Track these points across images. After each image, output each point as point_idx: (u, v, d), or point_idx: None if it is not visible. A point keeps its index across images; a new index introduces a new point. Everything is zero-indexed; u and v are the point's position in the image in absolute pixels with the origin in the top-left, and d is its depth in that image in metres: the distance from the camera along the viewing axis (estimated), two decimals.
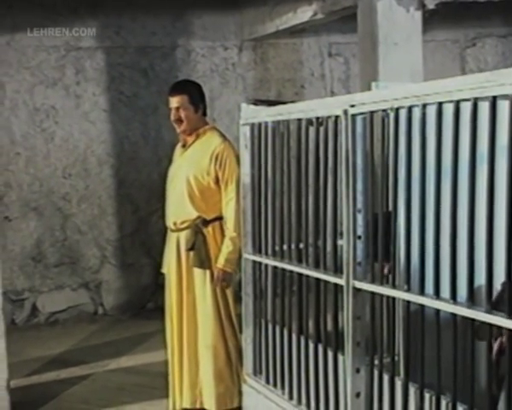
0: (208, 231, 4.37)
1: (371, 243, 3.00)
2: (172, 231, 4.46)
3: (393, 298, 2.97)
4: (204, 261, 4.33)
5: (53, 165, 7.13)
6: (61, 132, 7.14)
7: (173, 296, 4.42)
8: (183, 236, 4.39)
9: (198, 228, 4.35)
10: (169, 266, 4.48)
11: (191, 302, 4.39)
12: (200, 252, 4.33)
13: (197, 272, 4.36)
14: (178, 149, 4.58)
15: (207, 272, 4.34)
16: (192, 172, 4.36)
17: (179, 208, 4.40)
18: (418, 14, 5.49)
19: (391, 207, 2.89)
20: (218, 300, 4.36)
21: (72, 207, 7.22)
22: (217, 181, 4.33)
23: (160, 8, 7.13)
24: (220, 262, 4.27)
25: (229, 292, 4.38)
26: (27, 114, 7.03)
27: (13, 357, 4.97)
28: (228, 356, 4.38)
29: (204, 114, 4.50)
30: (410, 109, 2.75)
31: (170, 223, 4.48)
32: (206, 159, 4.34)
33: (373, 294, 3.02)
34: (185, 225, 4.39)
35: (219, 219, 4.39)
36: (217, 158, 4.32)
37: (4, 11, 6.50)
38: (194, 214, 4.36)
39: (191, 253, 4.34)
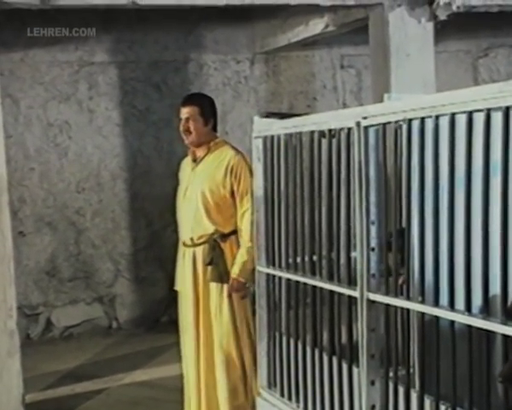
0: (226, 245, 4.38)
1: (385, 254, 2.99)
2: (188, 246, 4.46)
3: (408, 310, 2.96)
4: (222, 276, 4.33)
5: (66, 179, 7.16)
6: (74, 147, 7.17)
7: (189, 311, 4.42)
8: (201, 251, 4.39)
9: (215, 242, 4.36)
10: (184, 282, 4.48)
11: (208, 317, 4.39)
12: (218, 266, 4.34)
13: (214, 286, 4.36)
14: (187, 164, 4.57)
15: (225, 286, 4.34)
16: (207, 186, 4.37)
17: (195, 223, 4.40)
18: (430, 25, 5.49)
19: (404, 219, 2.88)
20: (235, 314, 4.36)
21: (86, 221, 7.24)
22: (232, 194, 4.34)
23: (172, 22, 7.16)
24: (235, 272, 4.27)
25: (245, 306, 4.38)
26: (41, 130, 7.08)
27: (28, 372, 4.99)
28: (243, 370, 4.37)
29: (214, 129, 4.51)
30: (422, 121, 2.75)
31: (185, 238, 4.47)
32: (221, 172, 4.35)
33: (387, 306, 3.01)
34: (202, 239, 4.39)
35: (235, 232, 4.40)
36: (232, 170, 4.33)
37: (18, 28, 6.55)
38: (211, 229, 4.37)
39: (209, 268, 4.35)
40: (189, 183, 4.49)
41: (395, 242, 2.91)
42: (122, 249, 7.36)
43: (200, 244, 4.41)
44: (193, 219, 4.42)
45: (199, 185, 4.41)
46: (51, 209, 7.14)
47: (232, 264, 4.34)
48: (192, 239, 4.43)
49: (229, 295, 4.32)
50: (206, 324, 4.39)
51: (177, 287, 4.59)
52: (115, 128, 7.28)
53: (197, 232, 4.41)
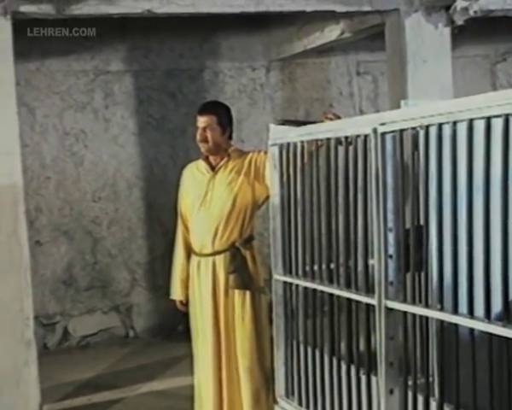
0: (246, 252, 4.40)
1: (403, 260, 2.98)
2: (205, 255, 4.46)
3: (426, 317, 2.95)
4: (246, 282, 4.35)
5: (83, 189, 7.20)
6: (90, 156, 7.20)
7: (207, 321, 4.42)
8: (221, 259, 4.40)
9: (237, 250, 4.38)
10: (199, 291, 4.48)
11: (228, 326, 4.39)
12: (241, 273, 4.35)
13: (237, 294, 4.37)
14: (200, 171, 4.56)
15: (247, 293, 4.36)
16: (233, 192, 4.38)
17: (217, 232, 4.41)
18: (447, 31, 5.48)
19: (422, 225, 2.87)
20: (257, 321, 4.37)
21: (102, 230, 7.27)
22: (253, 181, 4.37)
23: (188, 30, 7.19)
24: None
25: (266, 313, 4.40)
26: (57, 139, 7.11)
27: (45, 381, 5.00)
28: (265, 378, 4.38)
29: (230, 137, 4.52)
30: (440, 127, 2.74)
31: (202, 248, 4.48)
32: (244, 168, 4.38)
33: (405, 313, 3.00)
34: (223, 247, 4.40)
35: (253, 237, 4.45)
36: (256, 160, 4.39)
37: (34, 37, 6.59)
38: (233, 236, 4.38)
39: (231, 276, 4.36)
40: (207, 191, 4.48)
41: (413, 248, 2.91)
42: (138, 258, 7.37)
43: (220, 252, 4.42)
44: (214, 228, 4.42)
45: (222, 193, 4.41)
46: (67, 218, 7.17)
47: (253, 270, 4.37)
48: (213, 247, 4.43)
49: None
50: (227, 332, 4.40)
51: (177, 296, 4.60)
52: (131, 137, 7.30)
53: (218, 241, 4.41)
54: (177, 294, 4.65)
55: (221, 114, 4.49)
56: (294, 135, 3.73)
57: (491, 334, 2.56)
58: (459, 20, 5.46)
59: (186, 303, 4.64)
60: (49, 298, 7.15)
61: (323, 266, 3.54)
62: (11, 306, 4.79)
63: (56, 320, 7.20)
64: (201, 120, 4.45)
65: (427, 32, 5.45)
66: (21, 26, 4.96)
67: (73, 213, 7.18)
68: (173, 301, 4.73)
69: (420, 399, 2.95)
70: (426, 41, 5.46)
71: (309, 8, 5.33)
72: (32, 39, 6.56)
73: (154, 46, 7.28)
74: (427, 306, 2.87)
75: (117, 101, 7.25)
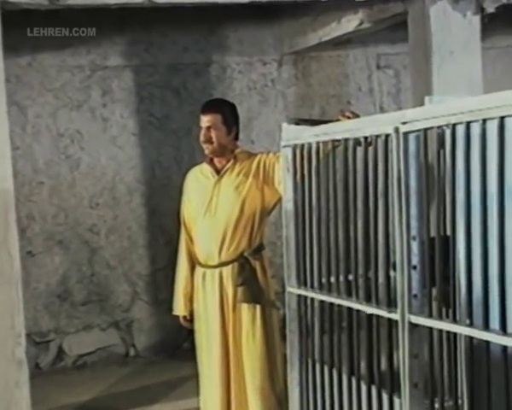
0: (256, 262, 4.40)
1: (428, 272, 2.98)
2: (211, 266, 4.47)
3: (454, 334, 2.95)
4: (256, 296, 4.35)
5: (79, 194, 7.21)
6: (87, 159, 7.22)
7: (214, 338, 4.43)
8: (229, 271, 4.41)
9: (246, 260, 4.38)
10: (205, 306, 4.49)
11: (238, 342, 4.40)
12: (251, 286, 4.35)
13: (246, 308, 4.38)
14: (204, 175, 4.57)
15: (257, 307, 4.36)
16: (240, 198, 4.39)
17: (224, 241, 4.42)
18: (476, 19, 5.47)
19: (449, 233, 2.87)
20: (268, 338, 4.37)
21: (100, 239, 7.28)
22: (262, 184, 4.38)
23: (192, 22, 7.20)
24: None
25: (278, 330, 4.40)
26: (51, 140, 7.13)
27: (38, 404, 5.01)
28: (277, 399, 4.39)
29: (236, 137, 4.53)
30: (468, 125, 2.74)
31: (207, 258, 4.48)
32: (252, 170, 4.39)
33: (431, 329, 3.00)
34: (231, 258, 4.41)
35: (263, 246, 4.45)
36: (265, 162, 4.39)
37: (24, 31, 6.62)
38: (241, 246, 4.39)
39: (240, 288, 4.36)
40: (212, 196, 4.49)
41: (439, 257, 2.90)
42: (140, 270, 7.38)
43: (227, 263, 4.42)
44: (220, 237, 4.43)
45: (228, 198, 4.42)
46: (62, 227, 7.19)
47: (262, 282, 4.37)
48: (219, 258, 4.44)
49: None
50: (236, 350, 4.41)
51: (181, 311, 4.61)
52: (131, 138, 7.32)
53: (225, 250, 4.42)
54: (180, 309, 4.66)
55: (226, 112, 4.50)
56: (309, 135, 3.74)
57: None
58: (490, 8, 5.45)
59: (191, 319, 4.65)
60: (43, 314, 7.16)
61: (341, 278, 3.54)
62: (1, 322, 4.81)
63: (50, 338, 7.22)
64: (205, 120, 4.46)
65: (455, 21, 5.45)
66: (11, 17, 4.98)
67: (69, 221, 7.20)
68: (177, 317, 4.73)
69: None
70: (453, 31, 5.45)
71: None
72: (23, 32, 6.59)
73: (156, 39, 7.30)
74: (454, 321, 2.86)
75: (116, 98, 7.27)
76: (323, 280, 3.70)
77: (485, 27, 5.63)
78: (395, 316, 3.13)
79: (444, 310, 2.95)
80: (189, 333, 4.83)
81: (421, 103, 3.27)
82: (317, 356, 3.79)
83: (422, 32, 5.51)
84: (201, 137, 4.48)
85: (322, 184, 3.65)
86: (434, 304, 2.96)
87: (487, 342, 2.72)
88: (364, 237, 3.33)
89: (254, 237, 4.45)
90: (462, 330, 2.83)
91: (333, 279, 3.61)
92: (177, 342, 7.33)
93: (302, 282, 3.85)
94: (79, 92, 7.19)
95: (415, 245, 3.06)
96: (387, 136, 3.12)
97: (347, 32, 6.48)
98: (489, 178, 2.69)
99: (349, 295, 3.47)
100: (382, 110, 7.71)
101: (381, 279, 3.25)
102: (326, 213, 3.63)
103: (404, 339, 3.08)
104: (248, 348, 4.39)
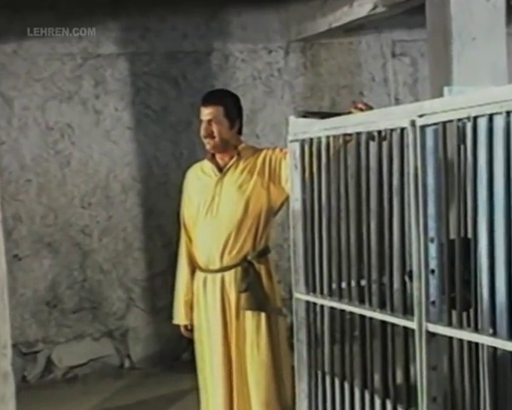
0: (261, 266, 4.41)
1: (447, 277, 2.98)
2: (212, 271, 4.48)
3: (476, 344, 2.95)
4: (261, 303, 4.36)
5: (69, 193, 7.22)
6: (78, 155, 7.23)
7: (216, 348, 4.44)
8: (232, 275, 4.42)
9: (250, 265, 4.39)
10: (206, 314, 4.50)
11: (241, 353, 4.41)
12: (255, 292, 4.36)
13: (250, 316, 4.39)
14: (205, 173, 4.58)
15: (262, 315, 4.37)
16: (244, 197, 4.40)
17: (226, 244, 4.43)
18: (501, 2, 5.46)
19: (470, 235, 2.87)
20: (274, 348, 4.38)
21: (93, 241, 7.29)
22: (268, 183, 4.39)
23: (192, 6, 7.21)
24: None
25: (285, 339, 4.40)
26: (39, 134, 7.14)
27: None
28: None
29: (239, 132, 4.53)
30: (491, 118, 2.74)
31: (208, 262, 4.49)
32: (257, 167, 4.40)
33: (451, 339, 3.00)
34: (233, 262, 4.42)
35: (268, 249, 4.46)
36: (271, 159, 4.40)
37: (10, 15, 6.63)
38: (245, 249, 4.40)
39: (243, 295, 4.37)
40: (214, 196, 4.50)
41: (459, 260, 2.90)
42: (135, 274, 7.39)
43: (230, 268, 4.43)
44: (222, 239, 4.44)
45: (231, 197, 4.43)
46: (51, 228, 7.20)
47: (268, 287, 4.38)
48: (221, 262, 4.45)
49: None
50: (240, 361, 4.41)
51: (181, 320, 4.62)
52: (126, 132, 7.33)
53: (228, 254, 4.43)
54: (180, 318, 4.67)
55: (228, 104, 4.51)
56: (318, 129, 3.74)
57: None
58: None
59: (191, 328, 4.66)
60: (30, 322, 7.18)
61: (353, 283, 3.54)
62: None
63: (38, 348, 7.23)
64: (206, 112, 4.47)
65: (477, 4, 5.43)
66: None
67: (58, 222, 7.21)
68: (176, 326, 4.74)
69: None
70: (475, 15, 5.44)
71: None
72: (8, 17, 6.60)
73: (153, 25, 7.30)
74: (476, 330, 2.86)
75: (109, 89, 7.28)
76: (334, 286, 3.70)
77: (511, 11, 5.62)
78: (411, 324, 3.13)
79: (464, 318, 2.95)
80: (189, 343, 4.84)
81: (440, 94, 3.27)
82: (326, 368, 3.80)
83: (442, 17, 5.50)
84: (202, 132, 4.49)
85: (332, 182, 3.65)
86: (454, 311, 2.96)
87: None
88: (378, 239, 3.33)
89: (259, 240, 4.46)
90: (484, 339, 2.83)
91: (344, 285, 3.62)
92: (176, 353, 7.34)
93: (311, 287, 3.85)
94: (70, 82, 7.20)
95: (433, 248, 3.07)
96: (403, 130, 3.13)
97: (360, 16, 6.47)
98: None
99: (361, 301, 3.47)
100: (398, 102, 7.71)
101: (397, 285, 3.25)
102: (337, 214, 3.63)
103: (421, 349, 3.08)
104: (253, 359, 4.40)
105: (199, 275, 4.56)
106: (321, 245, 3.77)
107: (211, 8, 7.37)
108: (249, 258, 4.42)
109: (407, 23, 7.42)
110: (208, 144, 4.49)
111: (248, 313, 4.41)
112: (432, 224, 3.06)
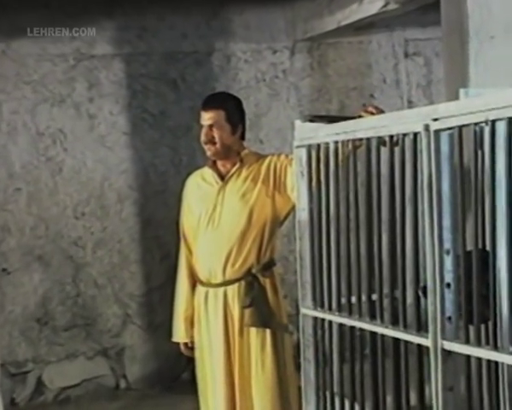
0: (266, 280, 4.41)
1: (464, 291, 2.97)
2: (214, 285, 4.48)
3: (496, 363, 2.94)
4: (266, 319, 4.36)
5: (61, 202, 7.23)
6: (70, 162, 7.24)
7: (218, 368, 4.44)
8: (235, 290, 4.43)
9: (254, 278, 4.39)
10: (207, 331, 4.50)
11: (245, 374, 4.41)
12: (260, 307, 4.37)
13: (254, 333, 4.40)
14: (206, 181, 4.59)
15: (267, 332, 4.37)
16: (248, 206, 4.41)
17: (229, 256, 4.44)
18: None
19: (488, 246, 2.87)
20: (280, 367, 4.38)
21: (87, 254, 7.29)
22: (273, 192, 4.40)
23: (192, 4, 7.22)
24: None
25: (292, 358, 4.41)
26: (29, 140, 7.15)
27: None
28: None
29: (242, 137, 4.54)
30: (510, 121, 2.74)
31: (210, 276, 4.50)
32: (261, 175, 4.41)
33: (468, 357, 2.99)
34: (237, 276, 4.42)
35: (273, 262, 4.47)
36: (275, 165, 4.41)
37: None
38: (248, 262, 4.40)
39: (247, 310, 4.37)
40: (216, 205, 4.50)
41: (476, 273, 2.90)
42: (132, 289, 7.39)
43: (233, 282, 4.43)
44: (225, 251, 4.45)
45: (234, 207, 4.44)
46: (42, 240, 7.20)
47: (273, 303, 4.38)
48: (223, 276, 4.45)
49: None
50: (243, 381, 4.42)
51: (181, 338, 4.62)
52: (122, 137, 7.33)
53: (231, 267, 4.44)
54: (180, 335, 4.67)
55: (230, 108, 4.52)
56: (326, 134, 3.74)
57: None
58: None
59: (192, 346, 4.66)
60: (19, 340, 7.17)
61: (363, 298, 3.54)
62: None
63: (28, 369, 7.22)
64: (206, 117, 4.48)
65: (495, 1, 5.44)
66: None
67: (50, 234, 7.21)
68: (176, 344, 4.74)
69: None
70: (493, 11, 5.44)
71: None
72: None
73: (151, 23, 7.31)
74: (495, 348, 2.86)
75: (104, 92, 7.29)
76: (343, 301, 3.70)
77: None
78: (426, 342, 3.13)
79: (483, 335, 2.95)
80: (189, 362, 4.84)
81: (456, 96, 3.27)
82: (336, 389, 3.79)
83: (458, 14, 5.50)
84: (202, 137, 4.50)
85: (341, 191, 3.65)
86: (472, 328, 2.96)
87: None
88: (390, 251, 3.32)
89: (264, 252, 4.46)
90: (504, 358, 2.83)
91: (354, 300, 3.62)
92: (175, 373, 7.34)
93: (318, 303, 3.85)
94: (62, 85, 7.21)
95: (448, 260, 3.06)
96: (416, 134, 3.13)
97: (370, 14, 6.48)
98: None
99: (373, 317, 3.47)
100: (411, 105, 7.71)
101: (410, 299, 3.25)
102: (346, 224, 3.63)
103: (436, 369, 3.08)
104: (257, 379, 4.40)
105: (200, 289, 4.56)
106: (329, 257, 3.77)
107: (212, 6, 7.38)
108: (253, 271, 4.42)
109: (421, 21, 7.42)
110: (209, 151, 4.50)
111: (252, 331, 4.41)
112: (447, 235, 3.06)
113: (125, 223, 7.38)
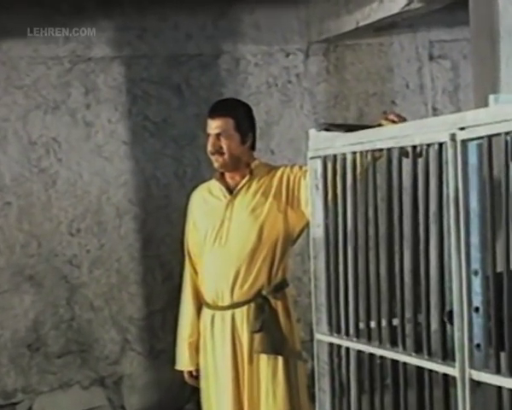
0: (277, 303, 4.41)
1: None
2: (221, 308, 4.49)
3: None
4: (277, 345, 4.37)
5: (55, 218, 7.24)
6: (65, 173, 7.25)
7: (225, 398, 4.44)
8: (244, 313, 4.43)
9: (265, 301, 4.40)
10: (215, 358, 4.50)
11: (256, 402, 4.41)
12: (271, 332, 4.37)
13: (264, 360, 4.40)
14: (213, 195, 4.61)
15: (279, 360, 4.37)
16: (258, 222, 4.42)
17: (238, 277, 4.45)
18: None
19: None
20: (293, 397, 4.39)
21: (82, 274, 7.30)
22: (285, 206, 4.41)
23: (198, 3, 7.24)
24: None
25: (305, 388, 4.41)
26: (20, 150, 7.17)
27: None
28: None
29: (252, 147, 4.55)
30: None
31: (217, 297, 4.51)
32: (272, 188, 4.41)
33: (499, 389, 2.99)
34: (246, 298, 4.43)
35: (286, 283, 4.44)
36: (289, 178, 4.41)
37: None
38: (258, 282, 4.41)
39: (257, 335, 4.38)
40: (223, 221, 4.51)
41: (508, 296, 2.90)
42: (131, 312, 7.40)
43: (241, 304, 4.44)
44: (233, 271, 4.46)
45: (243, 223, 4.45)
46: (34, 259, 7.22)
47: (286, 327, 4.38)
48: (231, 298, 4.46)
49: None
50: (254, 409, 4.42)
51: (185, 366, 4.63)
52: (121, 147, 7.35)
53: (239, 288, 4.45)
54: (185, 363, 4.68)
55: (239, 116, 4.53)
56: (343, 144, 3.75)
57: None
58: None
59: (197, 374, 4.66)
60: (8, 368, 7.18)
61: (383, 323, 3.54)
62: None
63: (18, 399, 7.23)
64: (213, 125, 4.49)
65: None
66: None
67: (42, 252, 7.23)
68: (179, 372, 4.74)
69: None
70: None
71: None
72: None
73: (152, 24, 7.34)
74: None
75: (102, 98, 7.31)
76: (361, 326, 3.70)
77: None
78: (453, 371, 3.13)
79: None
80: (194, 392, 4.84)
81: (485, 103, 3.27)
82: None
83: (488, 13, 5.51)
84: (209, 147, 4.51)
85: (359, 206, 3.66)
86: (503, 356, 2.95)
87: None
88: (413, 272, 3.32)
89: (275, 272, 4.47)
90: None
91: (373, 324, 3.62)
92: (179, 404, 7.34)
93: (335, 327, 3.85)
94: (56, 90, 7.23)
95: (477, 282, 3.06)
96: (442, 144, 3.13)
97: (392, 13, 6.49)
98: None
99: (394, 344, 3.47)
100: (436, 112, 7.72)
101: (435, 325, 3.24)
102: (364, 242, 3.64)
103: (464, 401, 3.07)
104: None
105: (206, 312, 4.57)
106: (346, 278, 3.77)
107: (219, 5, 7.40)
108: (264, 293, 4.43)
109: (447, 21, 7.43)
110: (216, 162, 4.51)
111: (263, 358, 4.41)
112: (475, 254, 3.06)
113: (125, 240, 7.38)
